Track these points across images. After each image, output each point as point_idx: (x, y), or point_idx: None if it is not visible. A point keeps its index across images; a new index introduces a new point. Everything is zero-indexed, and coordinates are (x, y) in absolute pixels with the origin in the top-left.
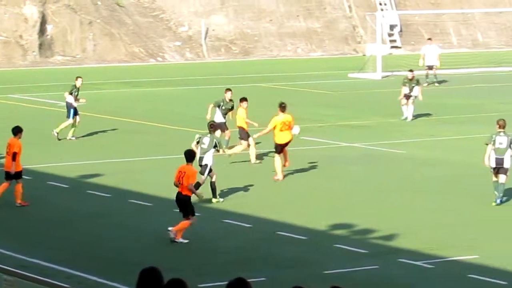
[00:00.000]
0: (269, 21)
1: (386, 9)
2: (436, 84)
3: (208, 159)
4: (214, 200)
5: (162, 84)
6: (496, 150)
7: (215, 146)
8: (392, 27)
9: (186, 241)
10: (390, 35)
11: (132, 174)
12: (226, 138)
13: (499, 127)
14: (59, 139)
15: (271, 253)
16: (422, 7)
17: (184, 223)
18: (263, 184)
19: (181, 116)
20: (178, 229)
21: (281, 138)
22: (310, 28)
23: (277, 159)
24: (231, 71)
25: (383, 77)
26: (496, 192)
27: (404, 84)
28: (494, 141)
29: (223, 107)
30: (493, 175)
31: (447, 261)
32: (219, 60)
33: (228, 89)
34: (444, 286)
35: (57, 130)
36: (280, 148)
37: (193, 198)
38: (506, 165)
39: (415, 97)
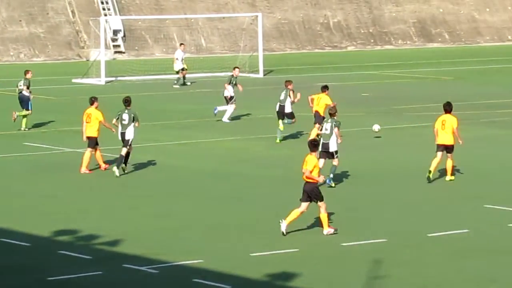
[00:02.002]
0: None
1: (110, 14)
2: (188, 84)
3: (130, 134)
4: (123, 165)
5: None
6: (322, 136)
7: (133, 120)
8: (115, 32)
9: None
10: (114, 40)
11: None
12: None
13: (330, 115)
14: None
15: None
16: (146, 12)
17: (325, 216)
18: None
19: None
20: (327, 224)
21: None
22: (33, 33)
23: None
24: None
25: (107, 83)
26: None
27: (230, 82)
28: (322, 126)
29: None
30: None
31: (172, 265)
32: None
33: (289, 81)
34: None
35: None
36: None
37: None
38: (332, 149)
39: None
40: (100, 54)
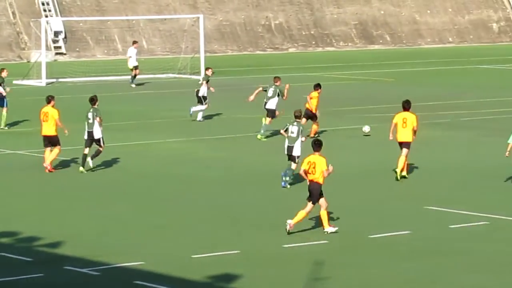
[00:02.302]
0: None
1: (51, 15)
2: (133, 86)
3: (97, 133)
4: (87, 165)
5: None
6: (288, 139)
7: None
8: (57, 33)
9: (336, 228)
10: (55, 41)
11: None
12: (267, 123)
13: (295, 117)
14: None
15: None
16: (87, 14)
17: (325, 214)
18: None
19: None
20: (327, 221)
21: None
22: None
23: None
24: None
25: (48, 84)
26: (284, 178)
27: (208, 80)
28: (287, 129)
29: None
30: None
31: (113, 267)
32: None
33: (277, 77)
34: None
35: (2, 124)
36: None
37: None
38: (295, 153)
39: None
40: (41, 56)
